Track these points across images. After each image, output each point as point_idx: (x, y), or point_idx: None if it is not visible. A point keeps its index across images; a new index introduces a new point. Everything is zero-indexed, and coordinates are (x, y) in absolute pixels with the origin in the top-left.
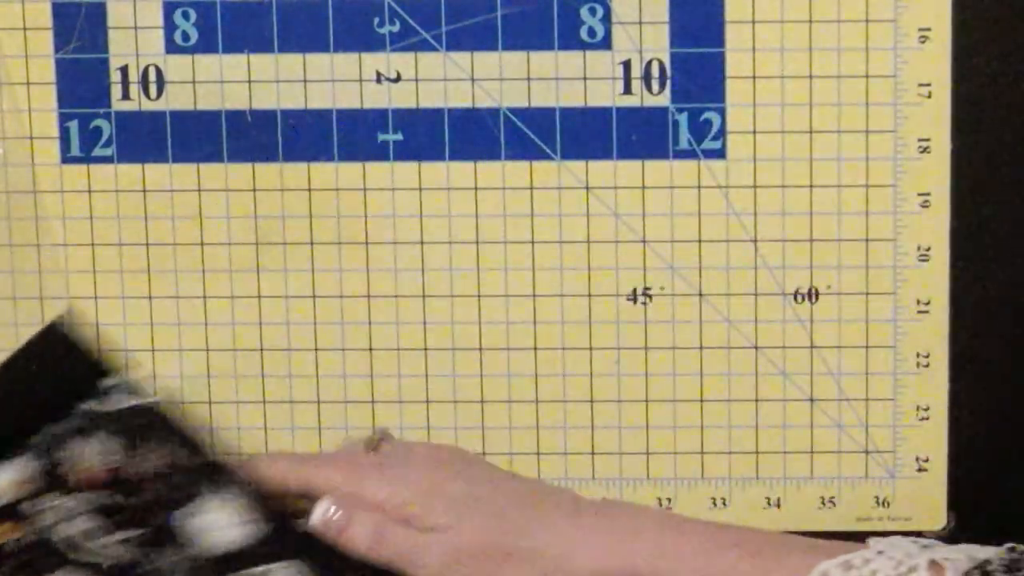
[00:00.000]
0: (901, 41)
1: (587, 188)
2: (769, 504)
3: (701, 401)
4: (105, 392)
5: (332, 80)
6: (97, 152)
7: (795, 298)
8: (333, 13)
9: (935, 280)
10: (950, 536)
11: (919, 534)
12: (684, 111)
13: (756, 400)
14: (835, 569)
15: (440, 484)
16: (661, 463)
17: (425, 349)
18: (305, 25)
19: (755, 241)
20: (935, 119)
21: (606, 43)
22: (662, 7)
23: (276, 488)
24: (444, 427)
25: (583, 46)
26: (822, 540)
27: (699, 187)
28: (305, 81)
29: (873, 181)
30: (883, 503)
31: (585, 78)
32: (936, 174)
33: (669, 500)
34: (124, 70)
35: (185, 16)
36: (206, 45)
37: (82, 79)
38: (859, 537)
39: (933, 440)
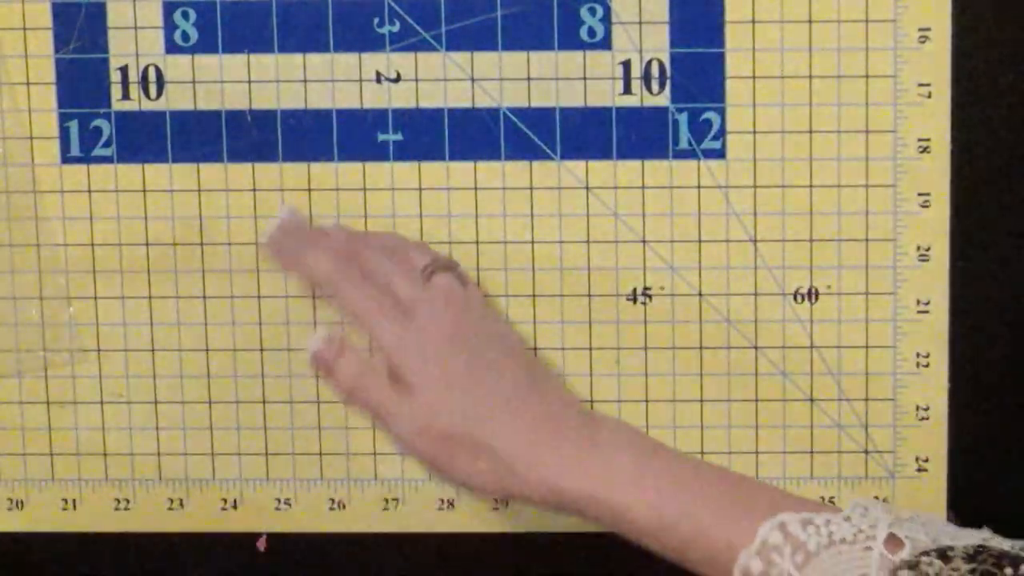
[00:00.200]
0: (901, 41)
1: (587, 188)
2: None
3: (701, 401)
4: None
5: (332, 80)
6: (97, 152)
7: (795, 298)
8: (333, 13)
9: (935, 280)
10: None
11: None
12: (684, 111)
13: (756, 400)
14: (794, 522)
15: (444, 351)
16: None
17: None
18: (305, 25)
19: (755, 241)
20: (935, 119)
21: (606, 43)
22: (662, 7)
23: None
24: None
25: (583, 46)
26: (800, 497)
27: (699, 187)
28: (305, 81)
29: (873, 181)
30: (883, 503)
31: (585, 78)
32: (936, 174)
33: None
34: (124, 70)
35: (185, 16)
36: (206, 45)
37: (82, 79)
38: None
39: (933, 440)
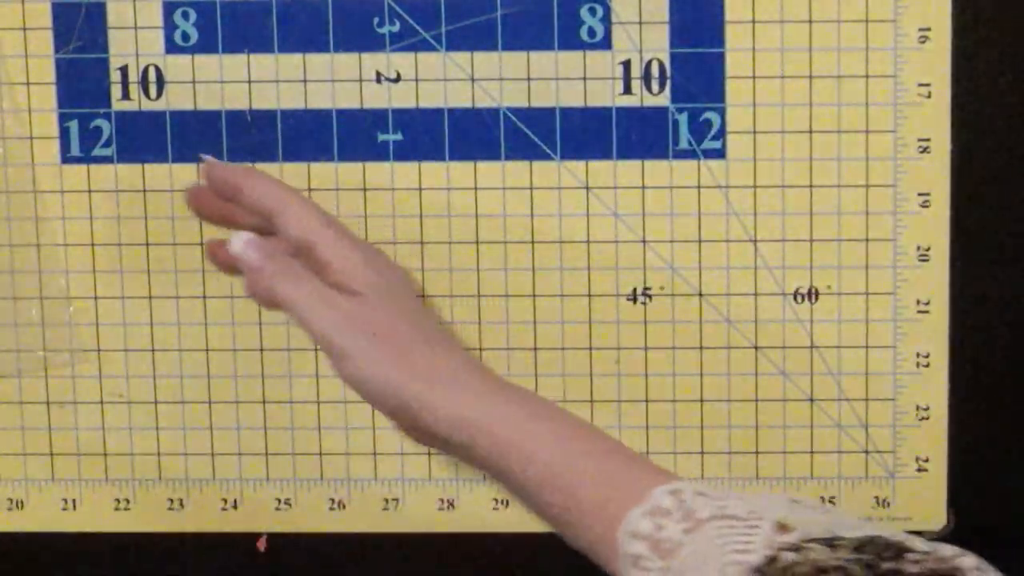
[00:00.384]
0: (901, 41)
1: (587, 188)
2: None
3: (701, 401)
4: None
5: (332, 80)
6: (97, 152)
7: (795, 298)
8: (333, 13)
9: (935, 280)
10: (950, 536)
11: (919, 534)
12: (684, 111)
13: (756, 400)
14: (688, 491)
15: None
16: (661, 463)
17: None
18: (305, 25)
19: (755, 241)
20: (935, 119)
21: (606, 43)
22: (662, 7)
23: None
24: None
25: (583, 46)
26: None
27: (699, 187)
28: (305, 81)
29: (873, 181)
30: (883, 503)
31: (585, 78)
32: (936, 174)
33: None
34: (124, 70)
35: (185, 16)
36: (206, 45)
37: (82, 79)
38: None
39: (933, 440)
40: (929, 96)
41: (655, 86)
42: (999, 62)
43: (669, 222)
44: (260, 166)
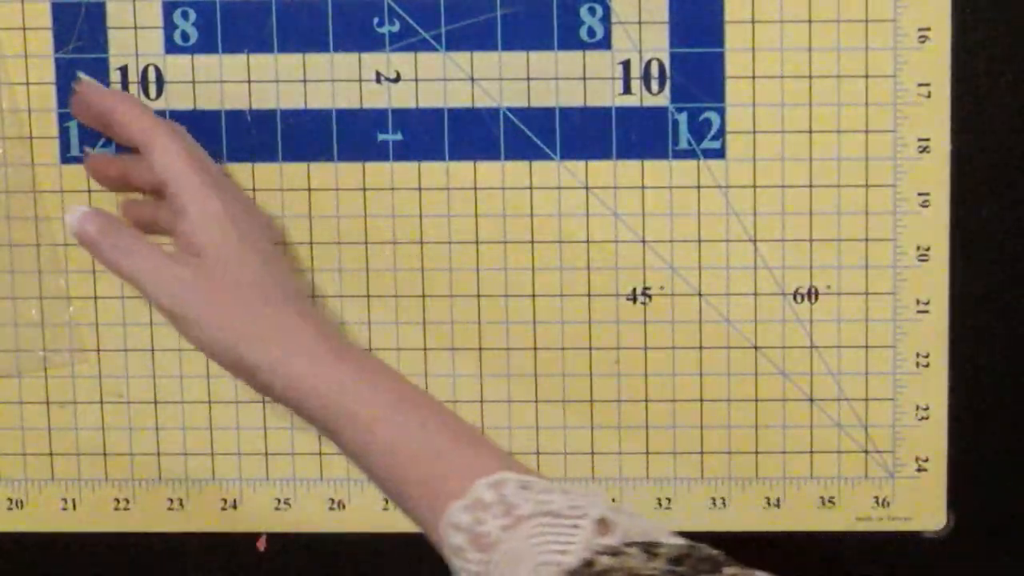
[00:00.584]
0: (901, 41)
1: (587, 188)
2: (769, 504)
3: (701, 401)
4: None
5: (332, 80)
6: (97, 152)
7: (795, 298)
8: (333, 13)
9: (935, 280)
10: (949, 536)
11: (919, 534)
12: (684, 111)
13: (756, 400)
14: (511, 483)
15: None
16: (660, 463)
17: (424, 349)
18: (305, 25)
19: (754, 241)
20: (935, 119)
21: (606, 43)
22: (662, 7)
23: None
24: None
25: (583, 46)
26: (526, 467)
27: (699, 187)
28: (305, 81)
29: (873, 181)
30: (883, 503)
31: (585, 78)
32: (936, 174)
33: (668, 500)
34: (124, 70)
35: (185, 16)
36: (206, 45)
37: None
38: (859, 537)
39: (933, 440)
40: (929, 96)
41: (655, 86)
42: (999, 62)
43: (669, 222)
44: (260, 166)
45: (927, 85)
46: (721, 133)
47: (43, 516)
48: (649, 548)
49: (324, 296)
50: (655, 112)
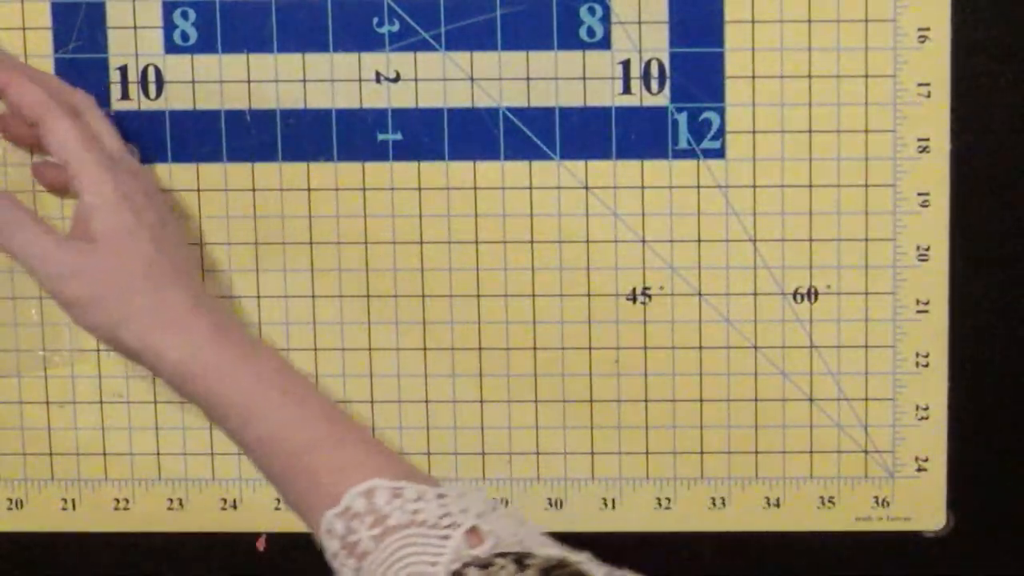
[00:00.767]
0: (900, 41)
1: (586, 188)
2: (768, 504)
3: (700, 401)
4: None
5: (331, 80)
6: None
7: (795, 298)
8: (332, 13)
9: (934, 280)
10: (949, 536)
11: (918, 534)
12: (683, 111)
13: (755, 400)
14: (383, 491)
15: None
16: (660, 463)
17: (424, 349)
18: (304, 25)
19: (754, 241)
20: (934, 119)
21: (605, 43)
22: (661, 7)
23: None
24: (443, 427)
25: (582, 46)
26: (409, 465)
27: (698, 187)
28: (304, 81)
29: (872, 181)
30: (882, 503)
31: (584, 78)
32: (935, 174)
33: (668, 500)
34: (123, 70)
35: (184, 16)
36: (205, 45)
37: (82, 79)
38: (859, 537)
39: (932, 440)
40: (928, 96)
41: (654, 86)
42: (999, 62)
43: (668, 222)
44: (260, 166)
45: (927, 85)
46: (721, 133)
47: (43, 516)
48: (520, 559)
49: (324, 296)
50: (655, 112)
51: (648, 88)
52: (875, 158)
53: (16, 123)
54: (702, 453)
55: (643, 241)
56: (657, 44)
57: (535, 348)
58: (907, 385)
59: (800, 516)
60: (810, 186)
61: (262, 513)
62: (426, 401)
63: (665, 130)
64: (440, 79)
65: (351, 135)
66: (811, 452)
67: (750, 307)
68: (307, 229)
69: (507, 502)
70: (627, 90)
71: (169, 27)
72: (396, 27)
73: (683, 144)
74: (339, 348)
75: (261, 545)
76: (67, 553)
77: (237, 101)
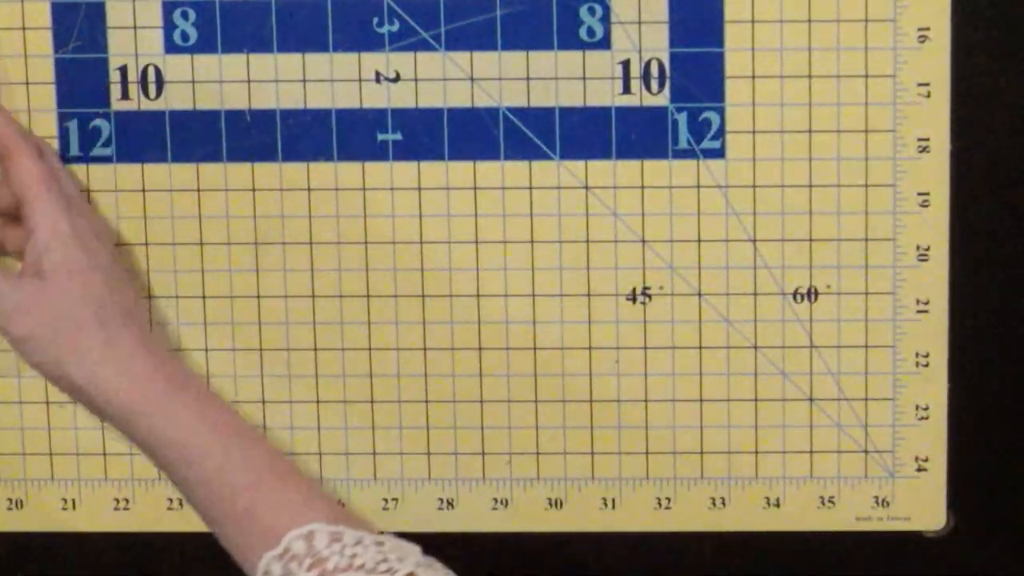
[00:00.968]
0: (900, 41)
1: (586, 188)
2: (768, 504)
3: (700, 401)
4: None
5: (331, 80)
6: (96, 152)
7: (794, 298)
8: (332, 13)
9: (934, 280)
10: (949, 536)
11: (919, 534)
12: (683, 111)
13: (755, 400)
14: (323, 534)
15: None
16: (660, 463)
17: (424, 349)
18: (304, 25)
19: (754, 241)
20: (934, 119)
21: (605, 43)
22: (661, 7)
23: None
24: (443, 427)
25: (582, 46)
26: (348, 513)
27: (698, 187)
28: (304, 81)
29: (872, 181)
30: (882, 503)
31: (584, 78)
32: (935, 174)
33: (668, 500)
34: (123, 70)
35: (184, 16)
36: (205, 45)
37: (81, 79)
38: (859, 537)
39: (932, 440)
40: (928, 96)
41: (654, 86)
42: (999, 62)
43: (668, 222)
44: (260, 166)
45: (927, 85)
46: (721, 133)
47: (43, 516)
48: None
49: (324, 296)
50: (655, 112)
51: (648, 88)
52: (875, 158)
53: None
54: (702, 453)
55: (643, 241)
56: (657, 44)
57: (535, 348)
58: (907, 385)
59: (800, 516)
60: (810, 186)
61: None
62: (426, 401)
63: (665, 130)
64: (440, 79)
65: (351, 135)
66: (811, 452)
67: (750, 307)
68: (307, 229)
69: (507, 502)
70: (627, 90)
71: (169, 27)
72: (396, 27)
73: (683, 144)
74: (339, 348)
75: None
76: (67, 553)
77: (237, 101)
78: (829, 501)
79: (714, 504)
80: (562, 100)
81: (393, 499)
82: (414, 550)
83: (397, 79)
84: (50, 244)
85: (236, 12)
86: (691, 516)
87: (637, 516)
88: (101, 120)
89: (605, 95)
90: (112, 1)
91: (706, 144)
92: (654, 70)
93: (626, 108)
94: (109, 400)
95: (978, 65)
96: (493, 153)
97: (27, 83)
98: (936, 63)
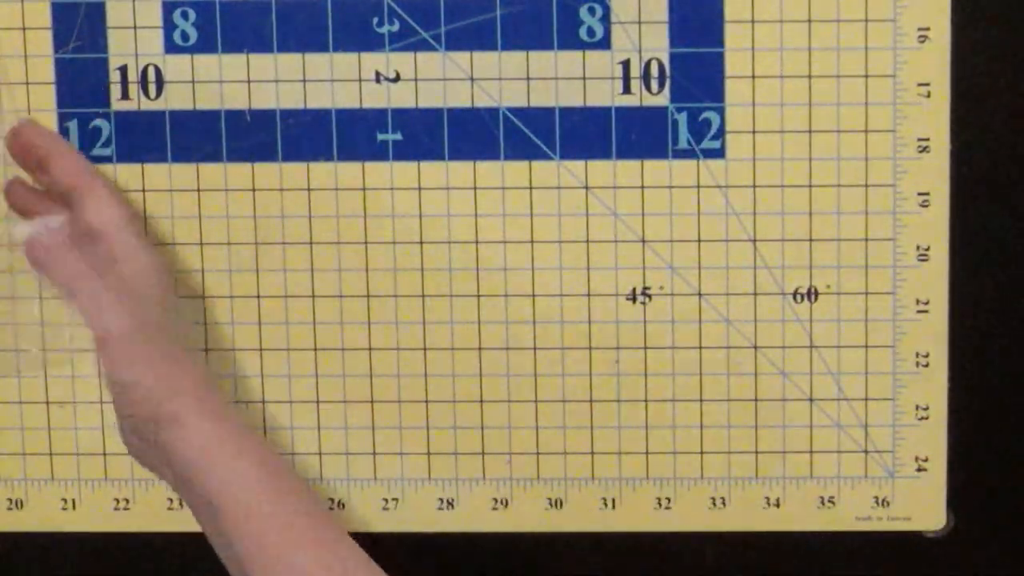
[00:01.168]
0: (900, 41)
1: (586, 188)
2: (768, 504)
3: (700, 401)
4: None
5: (331, 80)
6: (96, 152)
7: (794, 298)
8: (332, 13)
9: (934, 280)
10: (949, 536)
11: (918, 534)
12: (683, 111)
13: (755, 400)
14: None
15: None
16: (660, 463)
17: (424, 349)
18: (304, 25)
19: (754, 241)
20: (934, 119)
21: (605, 43)
22: (661, 7)
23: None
24: (443, 426)
25: (582, 46)
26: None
27: (698, 187)
28: (304, 81)
29: (872, 181)
30: (882, 503)
31: (584, 78)
32: (935, 174)
33: (668, 500)
34: (123, 70)
35: (184, 16)
36: (205, 45)
37: (81, 79)
38: (859, 537)
39: (932, 440)
40: (928, 96)
41: (654, 86)
42: (999, 62)
43: (668, 222)
44: (259, 166)
45: (927, 85)
46: (721, 133)
47: (43, 516)
48: None
49: (324, 296)
50: (655, 112)
51: (648, 88)
52: (875, 158)
53: (27, 193)
54: (702, 453)
55: (643, 241)
56: (657, 44)
57: (535, 348)
58: (907, 385)
59: (800, 516)
60: (810, 186)
61: None
62: (426, 401)
63: (665, 130)
64: (440, 79)
65: (351, 135)
66: (811, 452)
67: (750, 307)
68: (307, 229)
69: (507, 502)
70: (627, 90)
71: (169, 27)
72: (396, 27)
73: (683, 144)
74: (339, 348)
75: None
76: (67, 553)
77: (237, 101)
78: (829, 501)
79: (714, 504)
80: (562, 100)
81: (393, 499)
82: None
83: (397, 79)
84: (135, 276)
85: (236, 12)
86: (691, 516)
87: (637, 516)
88: (101, 120)
89: (605, 95)
90: (112, 1)
91: (706, 144)
92: (654, 70)
93: (626, 108)
94: (190, 440)
95: (978, 65)
96: (493, 153)
97: (27, 83)
98: (936, 63)
